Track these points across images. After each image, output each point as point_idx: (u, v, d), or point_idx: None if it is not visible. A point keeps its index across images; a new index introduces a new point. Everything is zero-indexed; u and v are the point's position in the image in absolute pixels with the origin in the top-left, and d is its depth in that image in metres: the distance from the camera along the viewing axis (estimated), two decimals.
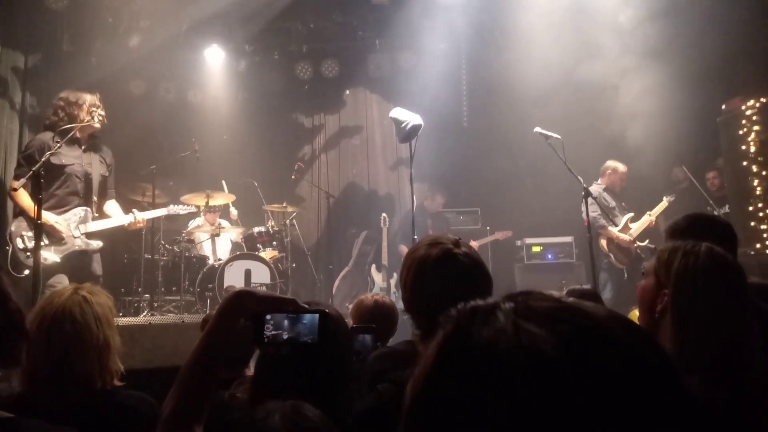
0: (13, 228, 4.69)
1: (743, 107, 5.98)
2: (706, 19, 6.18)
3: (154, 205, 5.94)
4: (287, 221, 7.12)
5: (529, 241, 7.49)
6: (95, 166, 5.00)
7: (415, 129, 5.45)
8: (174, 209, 5.71)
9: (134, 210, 5.17)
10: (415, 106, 5.93)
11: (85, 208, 4.89)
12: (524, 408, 0.50)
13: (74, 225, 4.81)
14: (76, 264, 4.80)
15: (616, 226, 6.46)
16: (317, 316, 1.14)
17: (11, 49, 6.94)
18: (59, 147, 4.55)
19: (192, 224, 6.92)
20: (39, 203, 4.03)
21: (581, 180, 5.11)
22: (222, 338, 1.18)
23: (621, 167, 6.74)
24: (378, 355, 1.92)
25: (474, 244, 7.40)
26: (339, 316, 1.61)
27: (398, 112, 5.63)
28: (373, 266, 7.67)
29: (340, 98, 9.00)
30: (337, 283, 7.84)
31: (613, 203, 6.69)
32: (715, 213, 5.99)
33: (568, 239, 7.37)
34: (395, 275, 7.41)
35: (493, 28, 7.71)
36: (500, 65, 7.39)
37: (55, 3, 6.90)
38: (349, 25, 8.33)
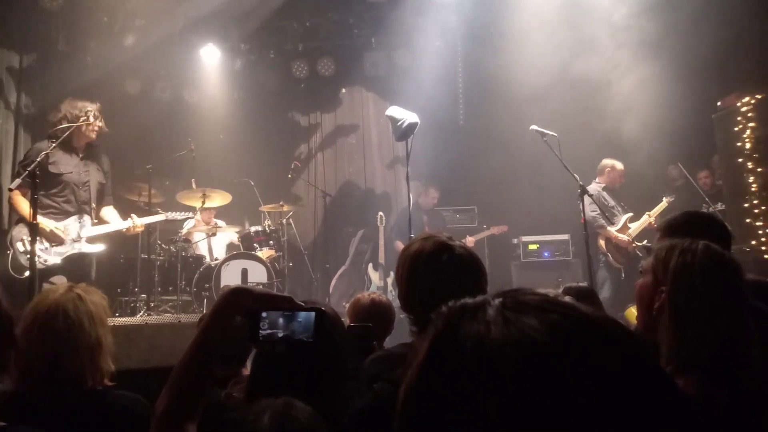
0: (14, 232, 4.89)
1: (738, 104, 5.98)
2: (700, 16, 6.18)
3: (150, 205, 5.96)
4: (284, 220, 7.10)
5: (525, 238, 7.50)
6: (93, 174, 5.18)
7: (412, 127, 5.45)
8: (172, 215, 5.85)
9: (133, 215, 5.31)
10: (411, 104, 5.93)
11: (83, 215, 5.06)
12: (516, 398, 0.50)
13: (74, 231, 4.99)
14: (77, 266, 4.97)
15: (615, 225, 6.46)
16: (313, 314, 1.13)
17: (6, 48, 6.92)
18: (54, 147, 4.63)
19: (188, 224, 6.91)
20: (34, 204, 4.13)
21: (577, 178, 5.11)
22: (217, 335, 1.17)
23: (619, 165, 6.74)
24: (375, 359, 1.92)
25: (470, 239, 7.42)
26: (335, 314, 1.60)
27: (394, 111, 5.63)
28: (370, 265, 7.67)
29: (336, 97, 8.99)
30: (333, 282, 7.84)
31: (612, 202, 6.68)
32: (711, 210, 6.01)
33: (565, 237, 7.38)
34: (392, 274, 7.41)
35: (489, 26, 7.71)
36: (496, 63, 7.39)
37: (49, 2, 6.88)
38: (345, 23, 8.33)
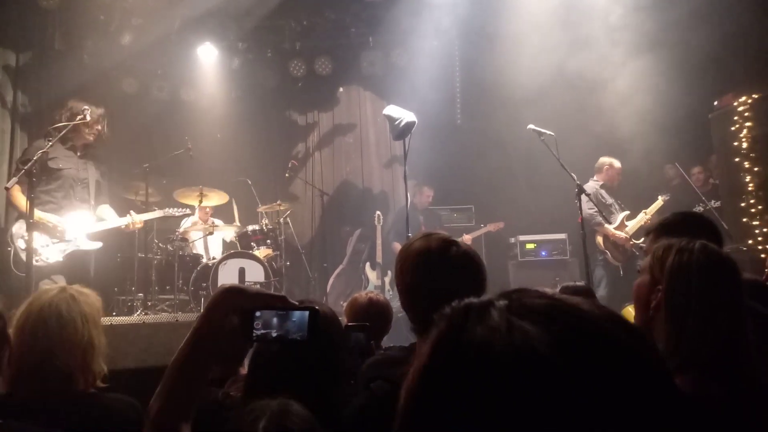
0: (14, 230, 4.89)
1: (735, 103, 6.00)
2: (697, 15, 6.19)
3: (147, 204, 5.96)
4: (281, 219, 7.09)
5: (522, 238, 7.51)
6: (91, 171, 5.22)
7: (409, 126, 5.45)
8: (170, 212, 5.84)
9: (131, 212, 5.33)
10: (408, 103, 5.92)
11: (83, 210, 5.08)
12: (516, 406, 0.50)
13: (75, 227, 4.99)
14: (77, 263, 4.99)
15: (612, 223, 6.47)
16: (307, 313, 1.13)
17: (2, 47, 6.92)
18: (51, 145, 4.63)
19: (185, 222, 6.90)
20: (32, 201, 4.14)
21: (575, 177, 5.11)
22: (210, 334, 1.16)
23: (616, 163, 6.76)
24: (372, 363, 1.91)
25: (467, 237, 7.41)
26: (332, 313, 1.60)
27: (392, 110, 5.62)
28: (368, 264, 7.67)
29: (334, 96, 8.99)
30: (331, 281, 7.83)
31: (610, 200, 6.70)
32: (705, 208, 6.04)
33: (562, 236, 7.39)
34: (390, 273, 7.42)
35: (486, 26, 7.72)
36: (493, 62, 7.39)
37: (46, 1, 6.86)
38: (342, 22, 8.32)
